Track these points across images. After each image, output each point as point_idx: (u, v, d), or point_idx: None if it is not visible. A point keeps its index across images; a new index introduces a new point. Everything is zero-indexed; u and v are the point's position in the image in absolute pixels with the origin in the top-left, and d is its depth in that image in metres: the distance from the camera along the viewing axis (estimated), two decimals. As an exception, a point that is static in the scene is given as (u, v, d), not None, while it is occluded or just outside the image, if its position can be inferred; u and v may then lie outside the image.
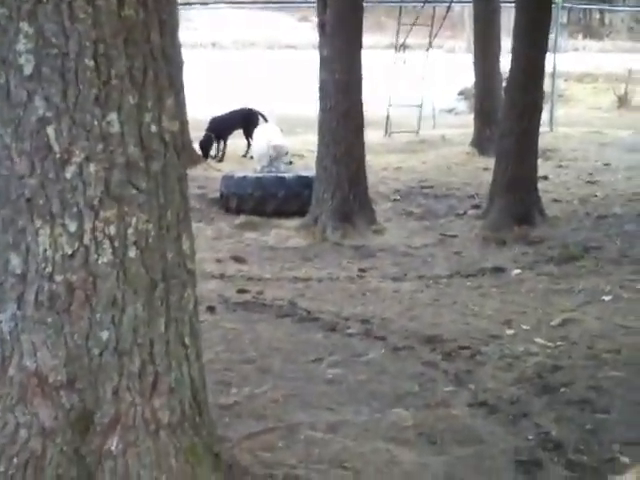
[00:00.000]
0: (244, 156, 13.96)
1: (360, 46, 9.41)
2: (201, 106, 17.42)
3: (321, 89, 9.19)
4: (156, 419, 3.17)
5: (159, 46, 3.06)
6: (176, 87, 3.18)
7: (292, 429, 4.49)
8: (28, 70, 2.97)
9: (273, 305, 6.77)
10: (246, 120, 14.06)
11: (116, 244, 3.05)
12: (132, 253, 3.08)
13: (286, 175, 10.49)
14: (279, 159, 10.99)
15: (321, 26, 9.11)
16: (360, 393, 5.00)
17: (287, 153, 11.19)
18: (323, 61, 9.12)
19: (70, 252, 3.04)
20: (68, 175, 3.00)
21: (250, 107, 14.39)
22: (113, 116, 2.99)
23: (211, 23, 42.81)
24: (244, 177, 10.47)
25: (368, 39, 30.83)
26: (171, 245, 3.18)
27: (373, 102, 17.48)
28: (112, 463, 3.09)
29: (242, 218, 10.00)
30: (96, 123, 2.97)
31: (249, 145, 14.02)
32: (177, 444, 3.19)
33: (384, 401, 4.88)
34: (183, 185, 3.23)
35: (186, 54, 13.43)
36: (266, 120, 13.94)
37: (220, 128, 13.77)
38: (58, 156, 2.99)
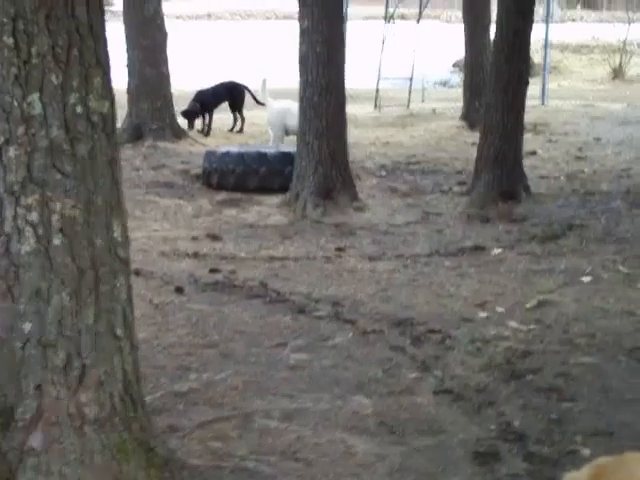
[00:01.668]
0: (231, 131, 13.75)
1: (341, 17, 9.21)
2: (191, 79, 17.31)
3: (301, 62, 8.97)
4: (82, 414, 3.04)
5: (85, 22, 2.90)
6: (105, 65, 3.00)
7: (247, 417, 4.38)
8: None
9: (244, 286, 6.61)
10: (231, 94, 13.84)
11: (40, 231, 2.91)
12: (57, 241, 2.93)
13: (268, 151, 10.31)
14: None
15: (301, -4, 8.90)
16: (322, 379, 4.87)
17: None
18: (303, 33, 8.90)
19: (-10, 240, 2.89)
20: (-13, 160, 2.85)
21: (235, 81, 14.17)
22: (34, 97, 2.84)
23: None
24: (227, 152, 10.29)
25: (364, 10, 30.62)
26: (101, 232, 3.03)
27: (364, 75, 17.38)
28: (34, 460, 2.98)
29: (223, 195, 9.83)
30: (16, 104, 2.82)
31: (236, 120, 13.81)
32: (104, 440, 3.06)
33: (346, 388, 4.75)
34: (114, 169, 3.07)
35: (181, 25, 13.26)
36: (255, 99, 13.76)
37: (206, 101, 13.49)
38: (-24, 140, 2.84)
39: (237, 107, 13.84)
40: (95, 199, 2.99)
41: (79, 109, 2.91)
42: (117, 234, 3.10)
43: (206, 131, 13.36)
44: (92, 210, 2.99)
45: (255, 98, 13.72)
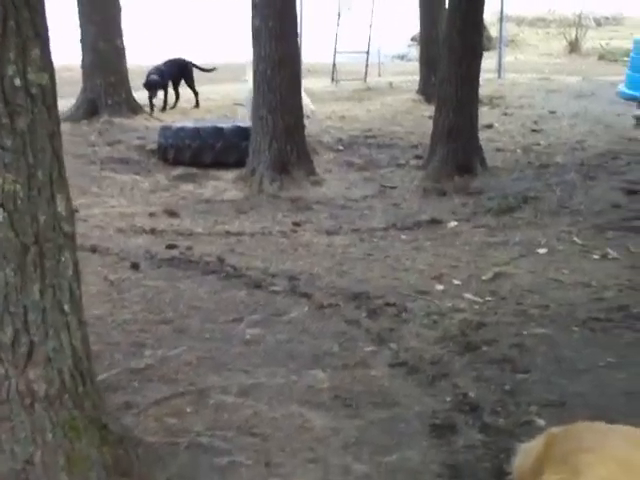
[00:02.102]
0: (172, 108, 13.52)
1: (294, -10, 9.15)
2: (147, 53, 17.11)
3: (254, 36, 8.91)
4: (31, 392, 2.99)
5: (21, -6, 2.82)
6: (44, 37, 2.93)
7: (203, 393, 4.34)
8: None
9: (200, 261, 6.57)
10: (183, 71, 13.68)
11: (-20, 206, 2.84)
12: (-1, 216, 2.87)
13: (224, 126, 10.23)
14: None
15: (253, -31, 8.81)
16: (278, 354, 4.85)
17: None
18: (256, 7, 8.82)
19: None
20: None
21: (182, 57, 13.99)
22: (-30, 69, 2.76)
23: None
24: (182, 128, 10.21)
25: (321, -17, 30.32)
26: (44, 207, 2.97)
27: (322, 49, 17.31)
28: (-17, 438, 2.91)
29: (180, 170, 9.76)
30: (-50, 76, 2.74)
31: (196, 94, 13.66)
32: (54, 418, 3.01)
33: (302, 362, 4.74)
34: (56, 142, 3.00)
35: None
36: (203, 70, 13.61)
37: (162, 76, 13.33)
38: None
39: (190, 83, 13.72)
40: (36, 173, 2.93)
41: (17, 81, 2.85)
42: (61, 208, 3.04)
43: (162, 106, 13.21)
44: (33, 184, 2.93)
45: (201, 68, 13.84)
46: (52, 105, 2.98)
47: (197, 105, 13.61)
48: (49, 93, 2.96)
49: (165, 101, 13.31)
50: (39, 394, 3.00)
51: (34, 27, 2.88)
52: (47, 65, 2.94)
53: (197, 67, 13.91)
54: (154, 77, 13.15)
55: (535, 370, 4.59)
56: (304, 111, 9.63)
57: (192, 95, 13.67)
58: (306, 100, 10.59)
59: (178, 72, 13.61)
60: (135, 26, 12.48)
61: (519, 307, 5.56)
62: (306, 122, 9.86)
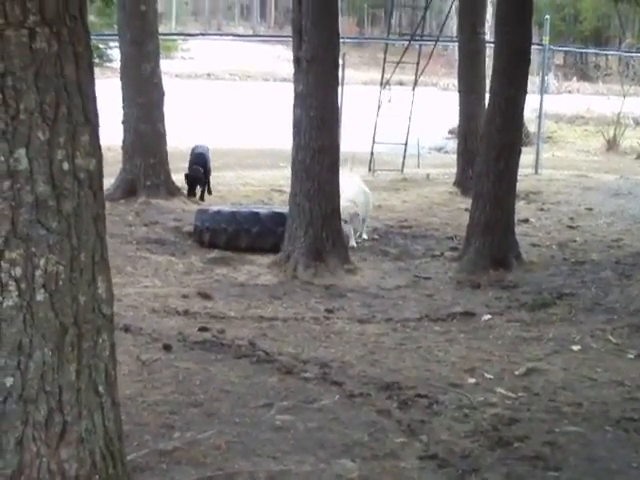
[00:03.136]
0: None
1: (336, 82, 9.30)
2: (188, 137, 17.38)
3: (295, 125, 9.06)
4: (62, 471, 3.01)
5: (74, 80, 2.92)
6: (93, 123, 3.02)
7: (231, 478, 4.33)
8: None
9: (232, 345, 6.58)
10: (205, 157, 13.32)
11: (22, 286, 2.90)
12: (40, 296, 2.92)
13: (260, 211, 10.34)
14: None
15: (296, 61, 8.99)
16: (307, 442, 4.82)
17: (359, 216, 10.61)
18: (298, 97, 8.99)
19: (-26, 294, 2.88)
20: (-28, 213, 2.85)
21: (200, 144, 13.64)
22: (21, 152, 2.85)
23: (208, 54, 43.02)
24: (218, 211, 10.32)
25: (364, 75, 30.98)
26: (84, 288, 3.02)
27: (360, 139, 17.50)
28: (15, 517, 2.93)
29: (215, 253, 9.84)
30: (2, 159, 2.83)
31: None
32: (84, 498, 3.02)
33: (331, 451, 4.71)
34: (99, 226, 3.07)
35: (180, 84, 13.29)
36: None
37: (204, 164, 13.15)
38: (-38, 193, 2.84)
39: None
40: (79, 255, 2.99)
41: (66, 166, 2.93)
42: (101, 290, 3.09)
43: (201, 195, 13.09)
44: (76, 266, 2.99)
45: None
46: (98, 189, 3.06)
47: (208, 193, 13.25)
48: (96, 177, 3.04)
49: (205, 190, 13.16)
50: (69, 474, 3.02)
51: (85, 113, 2.97)
52: (95, 150, 3.02)
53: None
54: (195, 172, 13.00)
55: (567, 469, 4.54)
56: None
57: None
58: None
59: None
60: (177, 110, 12.63)
61: (552, 404, 5.52)
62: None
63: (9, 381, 2.93)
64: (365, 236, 10.61)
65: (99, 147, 3.05)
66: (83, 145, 2.96)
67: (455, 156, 15.64)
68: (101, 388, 3.13)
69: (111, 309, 3.18)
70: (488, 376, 6.05)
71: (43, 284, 2.93)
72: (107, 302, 3.14)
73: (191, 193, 12.96)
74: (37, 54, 2.84)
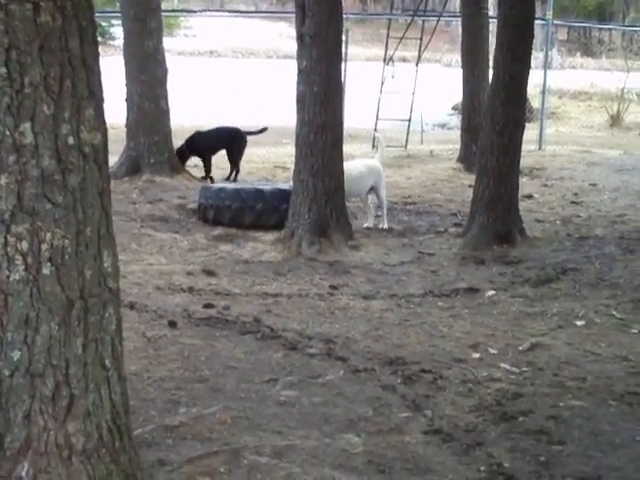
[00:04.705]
0: (227, 179, 12.70)
1: (339, 58, 9.28)
2: (191, 115, 17.36)
3: (299, 101, 9.05)
4: (69, 445, 3.02)
5: (78, 54, 2.92)
6: (98, 98, 3.02)
7: (236, 453, 4.34)
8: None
9: (237, 321, 6.60)
10: (232, 140, 12.93)
11: (29, 260, 2.91)
12: (46, 270, 2.94)
13: (264, 187, 10.33)
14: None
15: (300, 37, 8.97)
16: (312, 417, 4.84)
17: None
18: (301, 72, 8.97)
19: (-21, 268, 2.90)
20: (-22, 187, 2.86)
21: (238, 128, 13.20)
22: (26, 126, 2.86)
23: (211, 31, 42.86)
24: (222, 188, 10.32)
25: (367, 51, 30.88)
26: (90, 262, 3.03)
27: (364, 115, 17.47)
28: (22, 490, 2.95)
29: (219, 230, 9.84)
30: (8, 133, 2.84)
31: (232, 170, 12.86)
32: (90, 471, 3.04)
33: (336, 426, 4.72)
34: (105, 200, 3.08)
35: (183, 61, 13.24)
36: (258, 132, 13.34)
37: (202, 146, 12.94)
38: (-33, 167, 2.85)
39: (235, 157, 12.88)
40: (85, 229, 3.00)
41: (71, 140, 2.93)
42: (107, 264, 3.10)
43: (203, 176, 12.87)
44: (82, 240, 2.99)
45: (254, 133, 13.25)
46: (103, 163, 3.06)
47: (235, 179, 12.74)
48: (101, 152, 3.04)
49: (206, 171, 12.92)
50: (77, 447, 3.04)
51: (89, 87, 2.97)
52: (100, 125, 3.02)
53: (250, 133, 13.18)
54: (178, 148, 12.87)
55: (571, 442, 4.55)
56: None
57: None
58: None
59: (226, 142, 12.90)
60: (183, 87, 12.58)
61: (556, 379, 5.53)
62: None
63: (16, 355, 2.95)
64: (386, 225, 10.40)
65: (104, 121, 3.06)
66: (88, 119, 2.96)
67: (459, 132, 15.63)
68: (107, 362, 3.15)
69: (117, 283, 3.19)
70: (492, 351, 6.07)
71: (49, 258, 2.94)
72: (113, 276, 3.15)
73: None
74: (41, 28, 2.84)
